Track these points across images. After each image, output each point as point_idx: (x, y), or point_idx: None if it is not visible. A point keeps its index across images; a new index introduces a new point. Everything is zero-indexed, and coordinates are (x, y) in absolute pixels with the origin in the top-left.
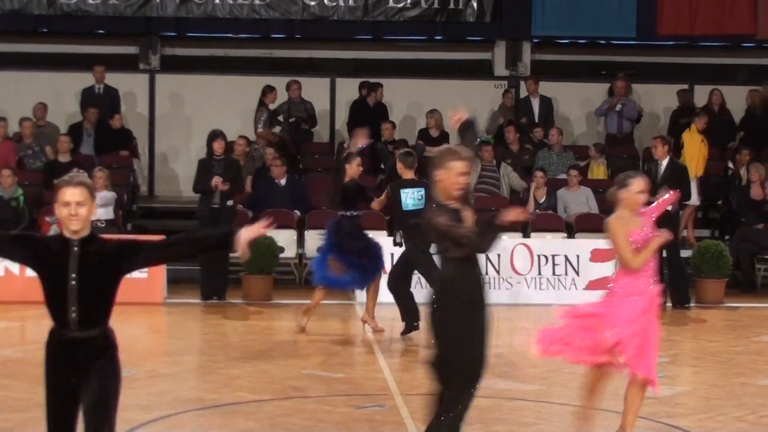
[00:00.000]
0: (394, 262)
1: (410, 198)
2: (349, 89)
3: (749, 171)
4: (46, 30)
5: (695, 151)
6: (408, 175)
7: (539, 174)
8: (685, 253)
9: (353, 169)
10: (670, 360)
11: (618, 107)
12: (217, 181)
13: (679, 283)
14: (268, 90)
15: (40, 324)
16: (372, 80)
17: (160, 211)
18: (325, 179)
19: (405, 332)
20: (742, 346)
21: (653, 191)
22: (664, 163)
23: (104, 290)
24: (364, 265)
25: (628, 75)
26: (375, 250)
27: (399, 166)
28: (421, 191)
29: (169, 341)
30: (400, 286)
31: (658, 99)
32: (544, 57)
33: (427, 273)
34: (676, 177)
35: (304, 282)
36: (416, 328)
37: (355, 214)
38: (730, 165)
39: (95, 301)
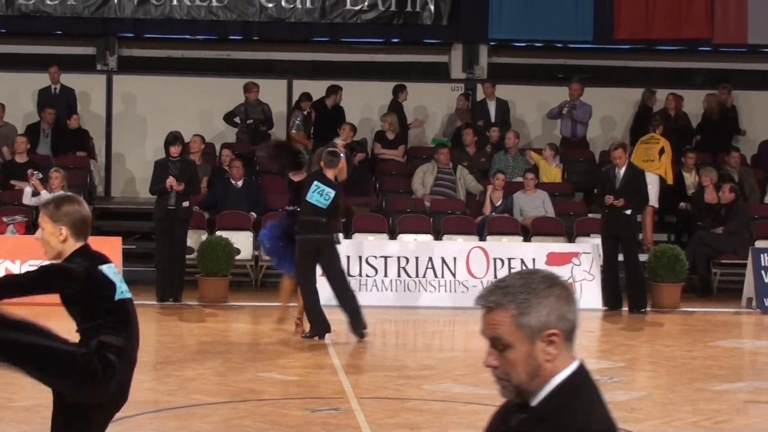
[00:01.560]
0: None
1: (317, 193)
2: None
3: (701, 176)
4: (4, 30)
5: (663, 156)
6: (329, 174)
7: (500, 176)
8: (642, 258)
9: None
10: (626, 364)
11: (565, 110)
12: (171, 181)
13: (635, 287)
14: (305, 97)
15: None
16: (329, 82)
17: (116, 213)
18: (281, 181)
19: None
20: (698, 351)
21: (611, 195)
22: (623, 168)
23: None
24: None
25: (585, 78)
26: None
27: (322, 162)
28: (331, 193)
29: None
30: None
31: (615, 103)
32: (500, 60)
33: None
34: (635, 182)
35: (260, 284)
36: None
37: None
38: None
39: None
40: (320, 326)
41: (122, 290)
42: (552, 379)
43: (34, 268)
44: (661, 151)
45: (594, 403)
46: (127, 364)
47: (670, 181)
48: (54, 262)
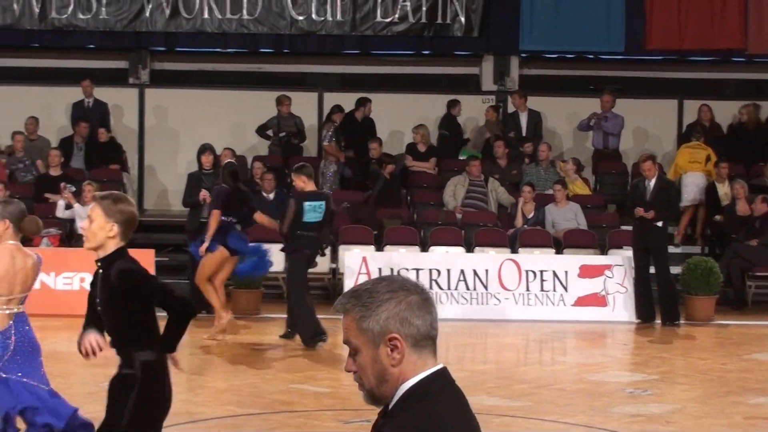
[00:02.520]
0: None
1: (312, 211)
2: (337, 103)
3: (733, 188)
4: (37, 45)
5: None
6: (310, 186)
7: (527, 189)
8: (674, 270)
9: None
10: (659, 377)
11: (593, 122)
12: (204, 194)
13: (668, 300)
14: (336, 109)
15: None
16: (360, 95)
17: (149, 225)
18: None
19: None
20: (732, 364)
21: (642, 207)
22: (653, 180)
23: (117, 316)
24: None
25: (616, 90)
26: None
27: (302, 178)
28: (322, 204)
29: None
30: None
31: (647, 114)
32: (531, 72)
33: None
34: (665, 193)
35: None
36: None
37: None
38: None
39: (114, 328)
40: (312, 331)
41: None
42: (402, 384)
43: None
44: (707, 159)
45: (445, 409)
46: (164, 375)
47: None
48: (166, 287)
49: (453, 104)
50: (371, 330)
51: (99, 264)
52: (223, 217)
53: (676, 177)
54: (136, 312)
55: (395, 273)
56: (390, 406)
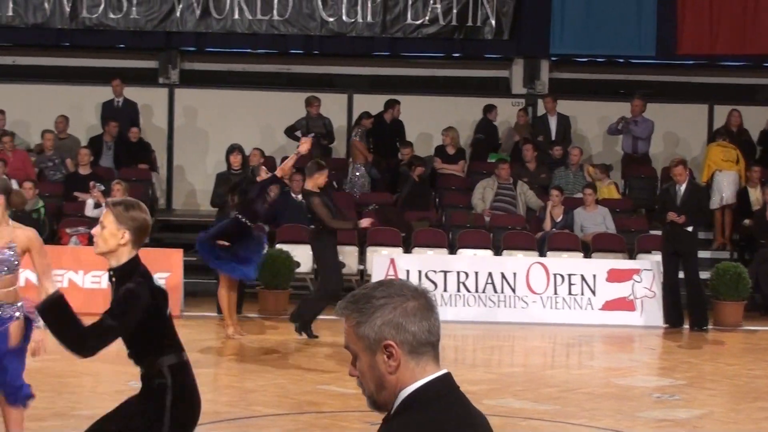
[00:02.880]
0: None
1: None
2: (366, 105)
3: (765, 192)
4: (68, 44)
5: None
6: (308, 185)
7: (555, 193)
8: (703, 275)
9: (262, 176)
10: (687, 382)
11: (620, 125)
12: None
13: (697, 305)
14: (366, 115)
15: None
16: (389, 97)
17: (177, 225)
18: (342, 194)
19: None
20: (760, 370)
21: (672, 212)
22: (683, 185)
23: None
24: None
25: (647, 94)
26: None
27: (315, 175)
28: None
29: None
30: None
31: (677, 119)
32: (562, 75)
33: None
34: (696, 198)
35: None
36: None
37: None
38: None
39: (130, 340)
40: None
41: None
42: (400, 392)
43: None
44: (737, 159)
45: (443, 417)
46: (191, 374)
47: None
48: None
49: (489, 109)
50: (367, 337)
51: (111, 273)
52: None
53: (709, 175)
54: (148, 323)
55: (423, 275)
56: (389, 414)
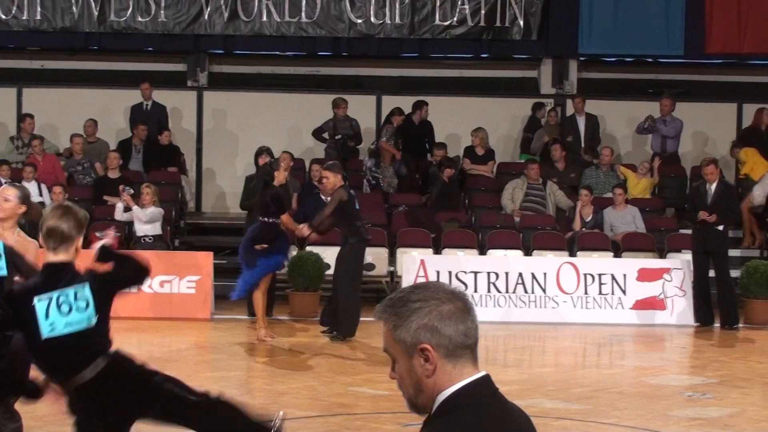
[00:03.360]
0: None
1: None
2: (394, 107)
3: None
4: (96, 47)
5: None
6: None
7: (585, 192)
8: (734, 273)
9: (282, 175)
10: (718, 381)
11: (647, 124)
12: None
13: (727, 303)
14: (397, 111)
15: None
16: (418, 98)
17: (207, 228)
18: (371, 196)
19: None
20: None
21: (703, 211)
22: (714, 184)
23: None
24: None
25: (676, 93)
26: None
27: (331, 173)
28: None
29: (216, 357)
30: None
31: (706, 118)
32: (590, 75)
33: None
34: (727, 197)
35: None
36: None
37: (276, 221)
38: None
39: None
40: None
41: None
42: (438, 396)
43: None
44: None
45: (479, 420)
46: None
47: None
48: None
49: (539, 107)
50: (404, 340)
51: None
52: (273, 219)
53: (750, 175)
54: None
55: (453, 276)
56: (429, 417)
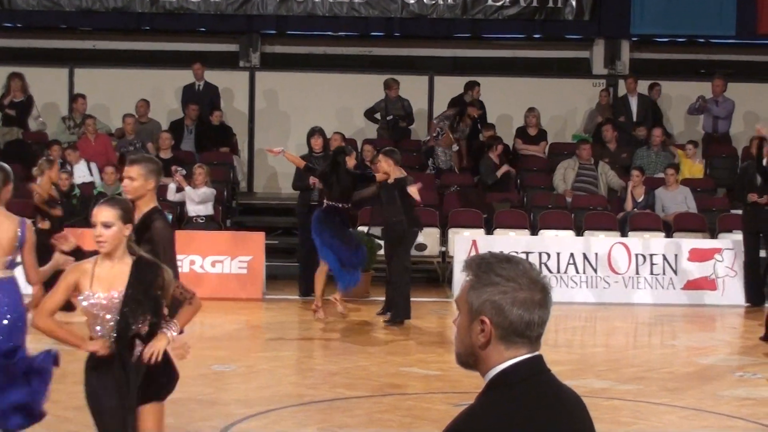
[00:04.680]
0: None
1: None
2: (447, 87)
3: None
4: (148, 28)
5: None
6: (398, 173)
7: (636, 173)
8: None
9: (351, 161)
10: None
11: (698, 105)
12: (314, 179)
13: None
14: (477, 104)
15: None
16: (470, 78)
17: (259, 208)
18: (424, 176)
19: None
20: None
21: (753, 191)
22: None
23: None
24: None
25: (728, 74)
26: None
27: (389, 162)
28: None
29: (267, 337)
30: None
31: (759, 98)
32: (642, 55)
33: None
34: None
35: None
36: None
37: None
38: None
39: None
40: (404, 312)
41: None
42: (488, 372)
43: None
44: None
45: (522, 400)
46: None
47: None
48: None
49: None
50: (471, 303)
51: None
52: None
53: None
54: None
55: None
56: (479, 393)
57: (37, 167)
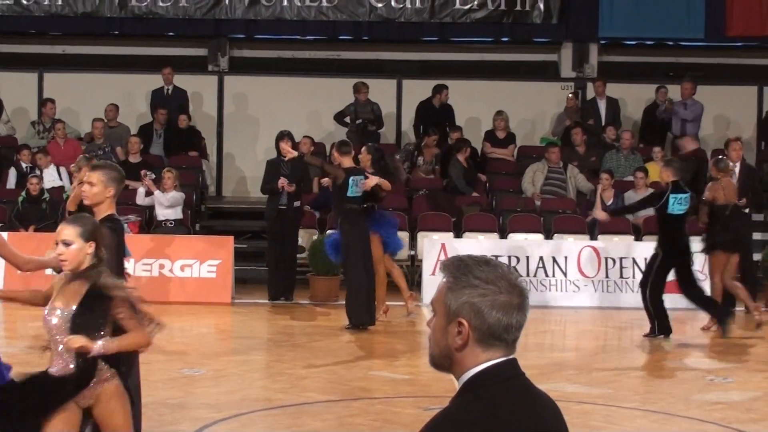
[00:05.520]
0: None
1: (354, 185)
2: (415, 90)
3: None
4: (117, 32)
5: None
6: (347, 163)
7: (605, 176)
8: (756, 257)
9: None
10: (740, 365)
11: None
12: (283, 182)
13: (750, 286)
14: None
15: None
16: (438, 82)
17: (227, 212)
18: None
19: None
20: None
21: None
22: (738, 166)
23: None
24: None
25: (697, 77)
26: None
27: (335, 155)
28: (361, 179)
29: (236, 341)
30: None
31: (728, 101)
32: (611, 58)
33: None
34: (750, 180)
35: None
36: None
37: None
38: None
39: None
40: (361, 317)
41: None
42: (463, 375)
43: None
44: None
45: (497, 401)
46: None
47: None
48: None
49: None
50: (448, 304)
51: None
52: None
53: None
54: None
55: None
56: (453, 396)
57: (75, 164)
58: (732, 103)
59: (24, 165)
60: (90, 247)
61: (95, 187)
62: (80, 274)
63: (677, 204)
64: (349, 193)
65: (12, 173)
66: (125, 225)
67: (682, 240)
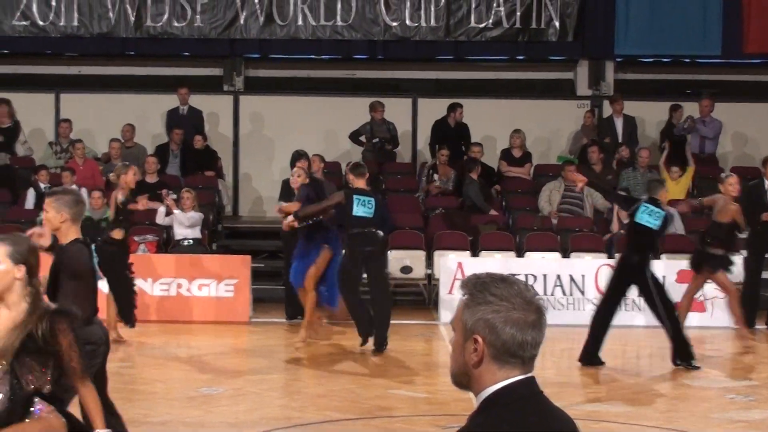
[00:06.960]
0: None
1: (361, 205)
2: (431, 109)
3: None
4: (133, 52)
5: None
6: (360, 184)
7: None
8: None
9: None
10: (761, 383)
11: (686, 125)
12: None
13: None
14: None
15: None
16: (454, 100)
17: (244, 231)
18: (408, 199)
19: (364, 343)
20: None
21: (760, 210)
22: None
23: None
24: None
25: (713, 94)
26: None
27: (350, 177)
28: (371, 201)
29: (254, 360)
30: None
31: (746, 118)
32: (627, 76)
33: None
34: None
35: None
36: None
37: None
38: None
39: None
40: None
41: None
42: (481, 393)
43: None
44: None
45: (513, 421)
46: None
47: None
48: None
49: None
50: (465, 322)
51: None
52: None
53: None
54: None
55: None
56: (471, 414)
57: (113, 172)
58: (750, 120)
59: (42, 185)
60: (19, 272)
61: (48, 213)
62: (11, 302)
63: (647, 215)
64: (354, 213)
65: (30, 194)
66: (143, 245)
67: (641, 254)
